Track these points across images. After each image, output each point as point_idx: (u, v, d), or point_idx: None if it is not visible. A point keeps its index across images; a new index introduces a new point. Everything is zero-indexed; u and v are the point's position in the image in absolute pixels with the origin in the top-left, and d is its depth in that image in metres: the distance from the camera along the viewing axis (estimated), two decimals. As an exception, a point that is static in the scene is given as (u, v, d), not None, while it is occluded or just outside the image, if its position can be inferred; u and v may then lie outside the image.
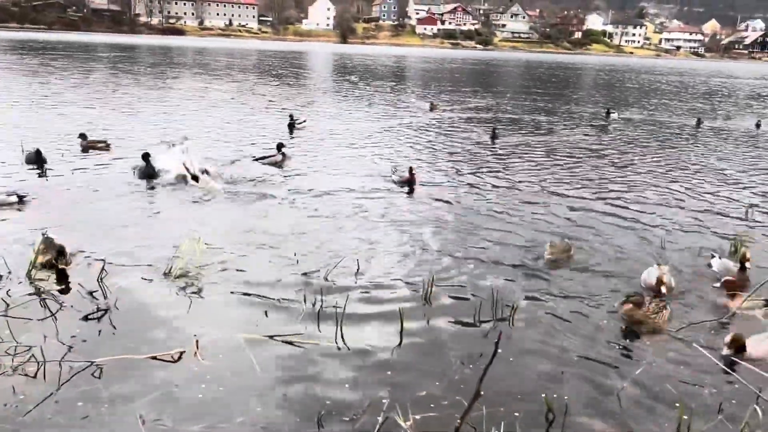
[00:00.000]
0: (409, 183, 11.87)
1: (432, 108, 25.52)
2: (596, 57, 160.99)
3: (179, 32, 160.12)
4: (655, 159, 16.52)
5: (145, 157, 11.69)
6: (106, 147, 14.21)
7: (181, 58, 62.45)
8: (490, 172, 13.86)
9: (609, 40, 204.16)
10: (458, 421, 4.04)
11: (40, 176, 11.69)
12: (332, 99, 29.36)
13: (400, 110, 25.26)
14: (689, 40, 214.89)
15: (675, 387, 5.33)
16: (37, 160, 12.14)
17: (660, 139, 20.42)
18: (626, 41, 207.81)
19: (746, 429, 4.64)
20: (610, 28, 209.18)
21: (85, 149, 13.94)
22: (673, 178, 14.10)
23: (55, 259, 6.95)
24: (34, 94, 24.79)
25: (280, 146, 13.85)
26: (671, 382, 5.40)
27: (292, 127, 18.57)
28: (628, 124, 24.20)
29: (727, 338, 5.76)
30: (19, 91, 25.78)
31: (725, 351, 5.72)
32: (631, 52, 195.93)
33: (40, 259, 6.94)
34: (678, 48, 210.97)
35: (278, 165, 13.34)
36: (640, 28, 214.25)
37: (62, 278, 6.89)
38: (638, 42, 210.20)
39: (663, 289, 6.84)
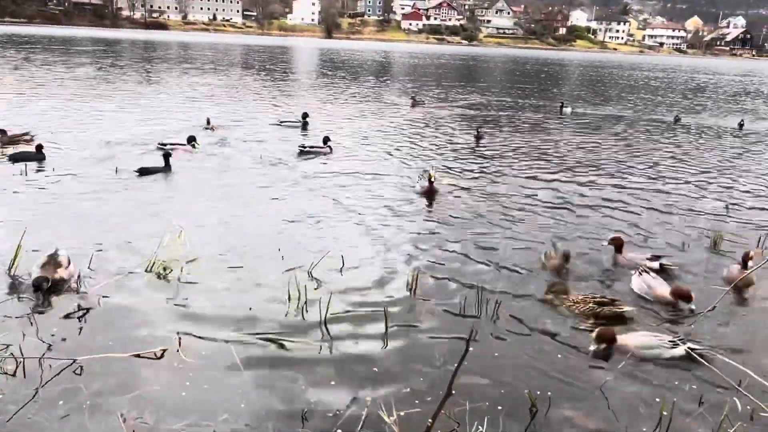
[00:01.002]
0: (428, 192, 11.01)
1: (414, 105, 25.32)
2: (581, 53, 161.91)
3: (162, 26, 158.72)
4: (634, 157, 16.66)
5: (166, 156, 11.79)
6: (30, 140, 14.00)
7: (165, 52, 61.84)
8: (475, 172, 13.88)
9: (593, 37, 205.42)
10: (429, 420, 4.05)
11: (38, 172, 11.58)
12: (316, 97, 29.24)
13: (381, 107, 25.14)
14: (672, 37, 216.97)
15: (657, 380, 5.39)
16: (37, 157, 12.08)
17: (639, 137, 20.54)
18: (610, 37, 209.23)
19: (726, 420, 4.70)
20: (594, 25, 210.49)
21: (6, 144, 13.57)
22: (654, 176, 14.23)
23: (47, 280, 6.39)
24: (20, 90, 24.43)
25: (326, 139, 14.57)
26: (653, 376, 5.46)
27: (306, 125, 18.33)
28: (617, 122, 24.39)
29: (594, 334, 5.86)
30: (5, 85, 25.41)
31: (592, 346, 5.80)
32: (615, 49, 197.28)
33: (37, 272, 6.52)
34: (661, 44, 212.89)
35: (325, 156, 14.21)
36: (624, 24, 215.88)
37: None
38: (622, 38, 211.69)
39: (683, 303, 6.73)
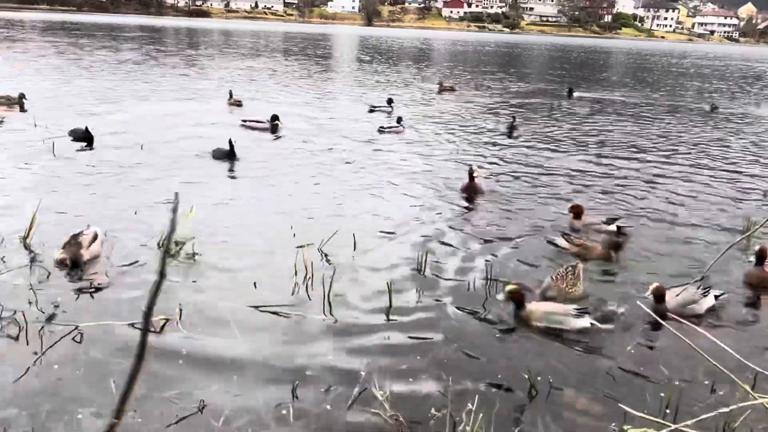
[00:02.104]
0: (469, 189, 9.94)
1: (441, 90, 24.80)
2: (626, 41, 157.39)
3: (205, 14, 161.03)
4: (664, 144, 16.10)
5: (231, 142, 11.61)
6: (15, 102, 15.42)
7: (208, 39, 62.63)
8: (507, 162, 13.61)
9: (640, 24, 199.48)
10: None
11: (83, 150, 11.78)
12: (345, 83, 29.17)
13: (413, 93, 24.90)
14: (723, 25, 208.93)
15: (666, 368, 5.15)
16: (85, 136, 12.24)
17: (670, 124, 19.82)
18: (658, 25, 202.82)
19: (737, 410, 4.44)
20: (641, 12, 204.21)
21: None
22: (684, 162, 13.73)
23: (62, 262, 6.46)
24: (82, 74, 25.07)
25: (399, 119, 15.66)
26: (663, 363, 5.22)
27: (392, 110, 18.61)
28: (652, 110, 23.65)
29: (651, 287, 5.97)
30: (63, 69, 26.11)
31: (647, 294, 5.98)
32: (663, 37, 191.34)
33: (59, 254, 6.53)
34: (712, 32, 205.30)
35: (399, 134, 15.03)
36: (673, 11, 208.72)
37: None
38: (670, 26, 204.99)
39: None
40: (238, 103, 18.06)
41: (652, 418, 4.01)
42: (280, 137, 14.13)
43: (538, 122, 18.39)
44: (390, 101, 19.12)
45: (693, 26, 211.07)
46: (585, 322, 5.69)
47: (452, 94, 24.46)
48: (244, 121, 15.00)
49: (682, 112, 22.74)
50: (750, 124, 20.30)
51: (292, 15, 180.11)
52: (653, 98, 27.15)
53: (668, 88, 33.44)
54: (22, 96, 15.80)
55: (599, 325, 5.71)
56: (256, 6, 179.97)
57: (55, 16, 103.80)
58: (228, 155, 11.51)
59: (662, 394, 4.76)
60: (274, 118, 14.76)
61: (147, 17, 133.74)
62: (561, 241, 7.70)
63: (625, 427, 3.76)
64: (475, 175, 9.94)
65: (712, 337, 3.92)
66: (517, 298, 5.80)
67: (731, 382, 4.82)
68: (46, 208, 7.94)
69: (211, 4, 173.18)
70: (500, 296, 5.94)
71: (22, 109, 15.51)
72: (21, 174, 9.95)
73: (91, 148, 11.93)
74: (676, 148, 15.21)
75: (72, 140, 12.27)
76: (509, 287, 5.87)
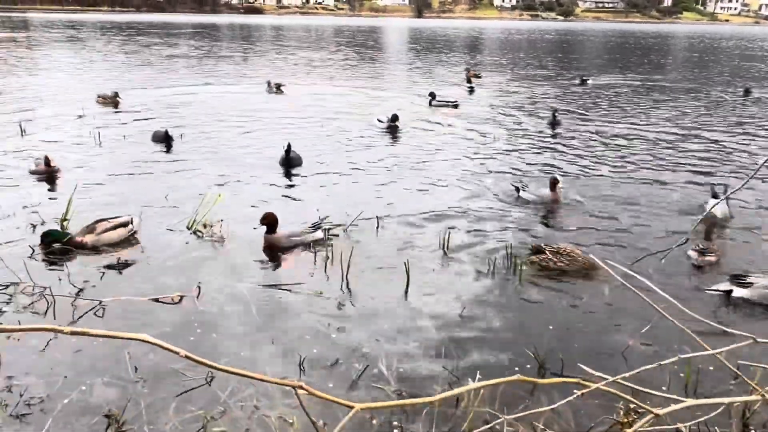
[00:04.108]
0: (552, 201, 8.73)
1: (469, 79, 23.71)
2: (688, 26, 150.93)
3: (258, 11, 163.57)
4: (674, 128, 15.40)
5: (288, 147, 10.89)
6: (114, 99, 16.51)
7: (265, 34, 63.71)
8: (553, 157, 13.31)
9: (702, 8, 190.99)
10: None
11: (166, 152, 11.61)
12: (385, 74, 29.12)
13: (441, 84, 24.65)
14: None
15: (685, 344, 4.95)
16: (165, 139, 12.19)
17: (695, 109, 18.90)
18: (722, 8, 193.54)
19: (757, 391, 4.23)
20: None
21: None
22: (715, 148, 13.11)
23: (49, 236, 6.63)
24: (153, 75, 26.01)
25: (456, 105, 17.42)
26: (681, 341, 5.02)
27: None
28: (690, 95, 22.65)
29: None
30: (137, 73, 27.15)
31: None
32: (727, 20, 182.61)
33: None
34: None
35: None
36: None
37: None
38: (735, 9, 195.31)
39: None
40: (279, 88, 19.79)
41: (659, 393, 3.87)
42: (396, 138, 13.44)
43: (577, 112, 17.84)
44: (470, 80, 22.59)
45: (760, 8, 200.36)
46: (318, 234, 6.95)
47: (480, 81, 23.79)
48: (378, 120, 14.53)
49: (711, 96, 21.49)
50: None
51: (342, 9, 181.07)
52: (688, 82, 25.97)
53: (716, 72, 31.94)
54: (116, 94, 16.57)
55: (330, 229, 7.03)
56: (308, 1, 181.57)
57: (116, 17, 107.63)
58: (286, 161, 10.72)
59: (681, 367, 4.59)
60: (394, 118, 14.07)
61: (202, 15, 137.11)
62: (693, 255, 6.80)
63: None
64: (559, 188, 8.75)
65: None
66: (268, 224, 6.79)
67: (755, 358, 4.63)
68: (98, 195, 8.36)
69: (264, 1, 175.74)
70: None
71: (116, 107, 16.16)
72: (83, 166, 10.37)
73: (169, 151, 11.69)
74: (684, 130, 14.55)
75: (154, 143, 12.15)
76: (265, 213, 6.88)
